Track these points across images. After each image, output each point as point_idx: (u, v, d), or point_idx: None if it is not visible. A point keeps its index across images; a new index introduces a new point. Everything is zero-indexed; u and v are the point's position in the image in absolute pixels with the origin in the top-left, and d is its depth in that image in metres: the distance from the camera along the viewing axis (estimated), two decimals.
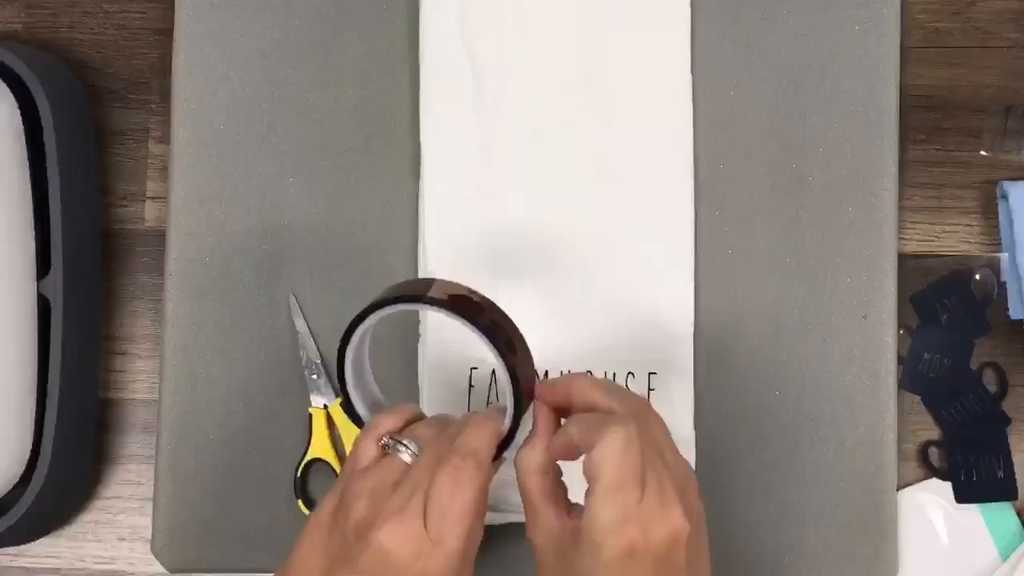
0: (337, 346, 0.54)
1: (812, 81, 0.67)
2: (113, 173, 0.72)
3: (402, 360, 0.66)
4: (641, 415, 0.50)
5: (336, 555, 0.49)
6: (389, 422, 0.53)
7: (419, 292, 0.52)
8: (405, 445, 0.51)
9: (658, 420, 0.52)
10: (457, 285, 0.53)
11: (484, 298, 0.53)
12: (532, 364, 0.54)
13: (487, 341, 0.51)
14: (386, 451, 0.52)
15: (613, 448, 0.47)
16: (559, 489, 0.52)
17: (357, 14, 0.68)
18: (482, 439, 0.51)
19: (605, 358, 0.65)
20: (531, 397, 0.53)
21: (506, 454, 0.53)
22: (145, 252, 0.71)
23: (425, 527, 0.48)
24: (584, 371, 0.63)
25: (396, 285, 0.54)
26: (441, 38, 0.66)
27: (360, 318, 0.53)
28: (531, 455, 0.51)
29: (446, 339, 0.64)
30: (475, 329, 0.51)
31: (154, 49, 0.72)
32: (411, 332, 0.66)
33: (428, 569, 0.48)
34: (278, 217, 0.67)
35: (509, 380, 0.51)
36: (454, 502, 0.48)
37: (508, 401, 0.52)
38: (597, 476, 0.47)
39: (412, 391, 0.66)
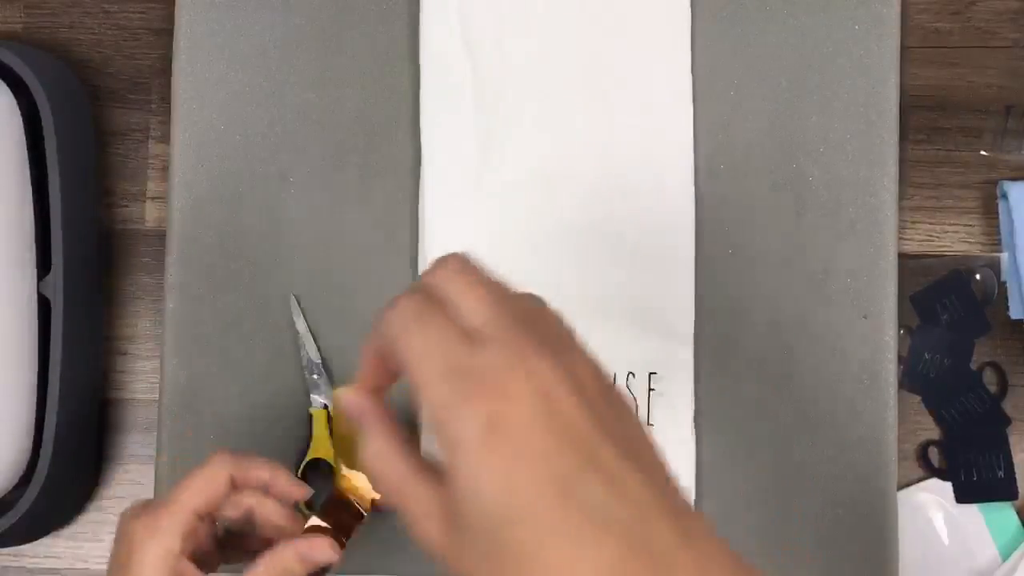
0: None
1: (812, 81, 0.67)
2: (113, 173, 0.72)
3: None
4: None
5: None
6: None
7: None
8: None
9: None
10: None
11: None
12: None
13: None
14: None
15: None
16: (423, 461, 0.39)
17: (357, 14, 0.68)
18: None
19: (605, 358, 0.65)
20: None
21: None
22: (145, 252, 0.71)
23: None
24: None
25: None
26: (441, 38, 0.66)
27: None
28: (375, 440, 0.39)
29: None
30: None
31: (154, 49, 0.72)
32: None
33: None
34: (278, 217, 0.67)
35: None
36: None
37: None
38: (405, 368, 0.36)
39: None
